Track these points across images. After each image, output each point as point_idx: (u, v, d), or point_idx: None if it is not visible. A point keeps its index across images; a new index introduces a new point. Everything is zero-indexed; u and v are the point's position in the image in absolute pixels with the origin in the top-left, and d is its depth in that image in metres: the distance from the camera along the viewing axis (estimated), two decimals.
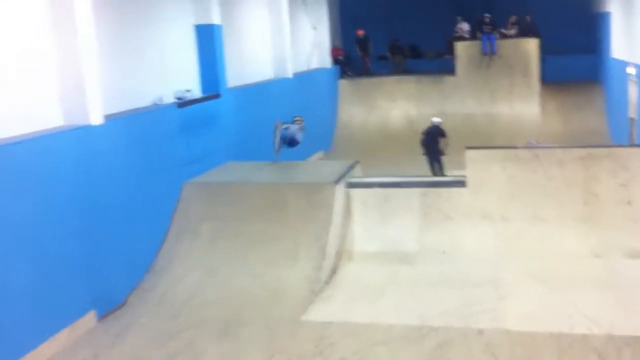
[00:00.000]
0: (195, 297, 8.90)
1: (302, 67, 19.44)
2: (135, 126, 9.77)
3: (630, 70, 13.73)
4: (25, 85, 8.00)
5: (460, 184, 10.61)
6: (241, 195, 10.43)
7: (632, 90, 13.34)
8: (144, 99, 10.71)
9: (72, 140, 8.24)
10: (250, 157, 13.22)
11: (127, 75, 10.26)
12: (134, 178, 9.49)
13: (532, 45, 21.07)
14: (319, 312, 8.38)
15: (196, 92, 12.52)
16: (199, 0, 12.64)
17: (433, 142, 14.43)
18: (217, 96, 12.84)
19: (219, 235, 9.97)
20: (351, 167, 11.47)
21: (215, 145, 12.39)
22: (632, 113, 13.39)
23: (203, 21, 12.74)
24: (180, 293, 9.04)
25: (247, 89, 14.73)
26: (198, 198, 10.51)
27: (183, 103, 11.36)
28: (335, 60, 22.14)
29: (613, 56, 18.98)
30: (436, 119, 15.05)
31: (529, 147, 12.23)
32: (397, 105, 21.47)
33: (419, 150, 14.73)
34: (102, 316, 8.52)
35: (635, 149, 10.55)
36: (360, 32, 22.88)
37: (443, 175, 13.90)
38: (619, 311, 7.97)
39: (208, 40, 12.86)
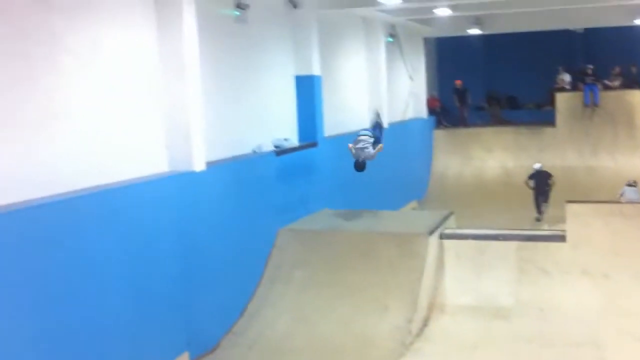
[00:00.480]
0: (284, 344, 8.97)
1: (398, 116, 19.56)
2: (235, 173, 10.10)
3: None
4: (136, 131, 8.47)
5: (560, 238, 10.32)
6: (334, 243, 10.52)
7: None
8: (244, 147, 11.07)
9: (176, 186, 8.60)
10: (345, 205, 13.32)
11: (229, 123, 10.67)
12: (232, 223, 9.76)
13: (637, 97, 20.38)
14: None
15: (294, 140, 12.81)
16: (301, 51, 13.01)
17: (542, 183, 16.90)
18: (314, 145, 13.08)
19: (310, 282, 10.06)
20: (445, 218, 11.38)
21: (310, 192, 12.58)
22: None
23: (303, 72, 13.08)
24: (270, 339, 9.13)
25: (343, 137, 14.90)
26: (292, 245, 10.68)
27: (281, 151, 11.64)
28: (431, 111, 22.15)
29: None
30: (537, 164, 17.40)
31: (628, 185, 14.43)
32: (493, 156, 21.16)
33: (515, 202, 14.52)
34: (195, 359, 8.68)
35: None
36: (458, 83, 22.83)
37: (545, 211, 16.50)
38: None
39: (308, 90, 13.18)
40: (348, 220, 11.63)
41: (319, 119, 13.41)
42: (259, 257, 10.50)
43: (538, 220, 16.60)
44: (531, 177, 17.16)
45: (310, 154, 12.90)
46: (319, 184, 12.99)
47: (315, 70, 13.25)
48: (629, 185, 14.74)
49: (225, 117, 10.56)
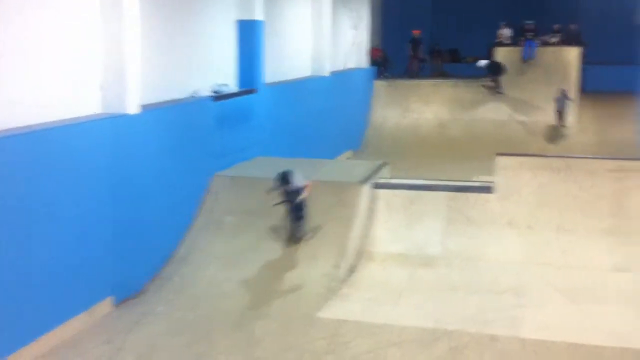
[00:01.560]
0: (212, 289, 9.00)
1: (340, 66, 19.52)
2: (170, 117, 9.96)
3: None
4: (70, 71, 8.24)
5: (488, 189, 10.59)
6: (255, 191, 10.49)
7: None
8: (182, 91, 10.91)
9: (109, 128, 8.43)
10: (282, 153, 13.34)
11: (167, 66, 10.47)
12: (166, 168, 9.67)
13: (573, 54, 20.80)
14: (335, 310, 8.43)
15: (233, 86, 12.69)
16: None
17: (496, 69, 20.48)
18: (253, 91, 12.98)
19: (242, 228, 10.09)
20: (379, 168, 11.52)
21: (248, 139, 12.53)
22: None
23: (246, 17, 12.89)
24: (198, 284, 9.16)
25: (283, 85, 14.85)
26: (225, 191, 10.66)
27: (219, 97, 11.52)
28: (373, 61, 22.15)
29: None
30: (482, 62, 20.60)
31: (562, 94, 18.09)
32: (431, 108, 21.37)
33: (449, 154, 14.91)
34: (120, 303, 8.64)
35: None
36: (416, 32, 22.79)
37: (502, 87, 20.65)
38: (636, 325, 7.91)
39: (249, 35, 13.01)
40: (283, 168, 11.60)
41: (260, 66, 13.29)
42: (192, 203, 10.46)
43: (500, 93, 20.68)
44: (489, 66, 20.61)
45: (249, 101, 12.81)
46: (256, 131, 12.95)
47: (258, 15, 13.07)
48: (563, 94, 17.50)
49: (163, 60, 10.36)
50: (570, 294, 8.86)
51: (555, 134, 19.49)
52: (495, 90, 20.79)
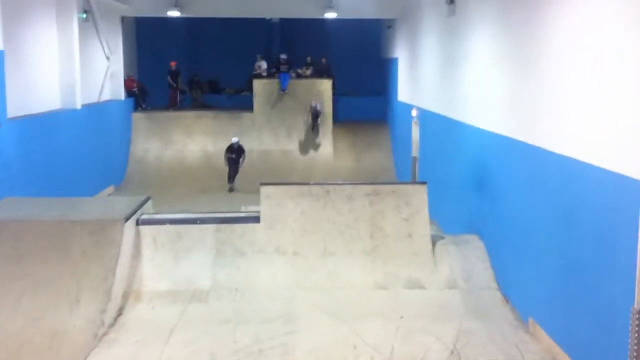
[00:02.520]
0: None
1: (94, 98, 18.65)
2: None
3: (414, 112, 14.79)
4: None
5: (255, 219, 10.65)
6: (18, 234, 9.56)
7: (415, 131, 14.39)
8: None
9: None
10: (33, 193, 12.34)
11: None
12: None
13: (326, 86, 22.07)
14: (101, 358, 7.88)
15: None
16: None
17: (237, 156, 19.12)
18: None
19: None
20: (142, 203, 11.03)
21: None
22: (414, 152, 14.42)
23: None
24: None
25: (29, 119, 13.79)
26: None
27: None
28: (130, 92, 21.49)
29: (399, 99, 20.35)
30: (235, 139, 19.28)
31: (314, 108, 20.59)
32: (194, 140, 21.35)
33: (215, 185, 14.76)
34: None
35: (417, 186, 11.24)
36: (173, 64, 22.62)
37: (233, 179, 19.06)
38: (399, 338, 8.40)
39: None
40: (35, 209, 10.67)
41: (1, 99, 12.21)
42: None
43: (231, 190, 18.68)
44: (231, 150, 19.11)
45: None
46: (1, 171, 11.82)
47: None
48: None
49: None
50: (337, 314, 9.18)
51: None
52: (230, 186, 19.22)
